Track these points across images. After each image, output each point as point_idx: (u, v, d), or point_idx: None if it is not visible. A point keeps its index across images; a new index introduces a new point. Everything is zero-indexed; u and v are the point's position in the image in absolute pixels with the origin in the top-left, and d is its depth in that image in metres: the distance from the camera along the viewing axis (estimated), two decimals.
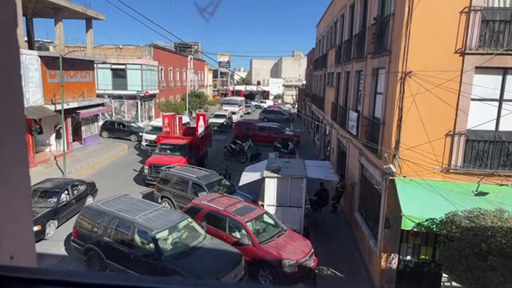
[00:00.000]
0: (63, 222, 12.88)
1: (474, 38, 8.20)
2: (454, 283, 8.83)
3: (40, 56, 19.00)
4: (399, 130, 8.83)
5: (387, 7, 10.40)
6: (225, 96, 66.82)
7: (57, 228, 12.47)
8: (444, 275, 9.03)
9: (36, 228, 10.98)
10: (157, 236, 9.27)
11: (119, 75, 32.56)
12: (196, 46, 58.48)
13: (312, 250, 10.65)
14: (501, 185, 8.44)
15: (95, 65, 26.35)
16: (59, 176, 18.15)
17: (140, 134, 26.29)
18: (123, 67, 32.47)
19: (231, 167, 20.19)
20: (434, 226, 7.85)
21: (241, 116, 46.02)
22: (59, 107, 19.04)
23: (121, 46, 36.21)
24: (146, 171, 17.73)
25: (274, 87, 73.60)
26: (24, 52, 18.08)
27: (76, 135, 23.67)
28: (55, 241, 11.78)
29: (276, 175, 12.84)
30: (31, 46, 22.77)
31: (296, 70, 79.88)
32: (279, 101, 70.29)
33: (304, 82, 48.55)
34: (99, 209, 10.42)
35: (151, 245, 9.21)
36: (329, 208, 14.88)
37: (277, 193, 12.85)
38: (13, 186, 0.87)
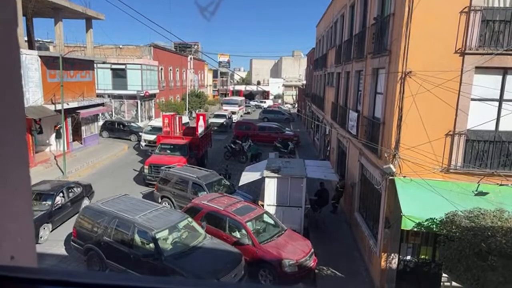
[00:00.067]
0: (57, 226, 12.59)
1: (474, 38, 8.20)
2: (454, 283, 8.83)
3: (40, 56, 19.00)
4: (399, 130, 8.83)
5: (387, 7, 10.40)
6: (225, 96, 66.83)
7: (51, 231, 12.18)
8: (444, 275, 9.03)
9: None
10: (157, 236, 9.27)
11: (119, 75, 32.56)
12: (196, 46, 58.47)
13: (312, 250, 10.65)
14: (501, 185, 8.44)
15: (95, 65, 26.36)
16: (59, 176, 18.16)
17: (140, 134, 26.27)
18: (123, 67, 32.47)
19: (231, 167, 20.19)
20: (434, 226, 7.85)
21: (241, 116, 46.02)
22: (59, 107, 19.04)
23: (121, 46, 36.22)
24: (146, 171, 17.73)
25: (274, 87, 73.60)
26: (24, 52, 18.08)
27: (76, 135, 23.67)
28: (55, 241, 11.78)
29: (276, 175, 12.84)
30: (31, 46, 22.77)
31: (296, 70, 79.86)
32: (279, 101, 70.29)
33: (304, 82, 48.55)
34: (99, 209, 10.42)
35: (151, 245, 9.21)
36: (329, 208, 14.89)
37: (277, 193, 12.85)
38: (14, 186, 0.87)
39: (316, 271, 10.67)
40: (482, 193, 8.25)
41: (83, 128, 24.11)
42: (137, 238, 9.51)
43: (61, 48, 22.00)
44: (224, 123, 35.77)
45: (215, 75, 73.22)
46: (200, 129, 22.26)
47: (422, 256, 9.59)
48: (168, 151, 19.29)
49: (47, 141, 22.19)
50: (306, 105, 37.32)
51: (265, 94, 70.29)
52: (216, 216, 11.12)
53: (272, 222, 11.44)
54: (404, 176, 8.89)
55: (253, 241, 10.27)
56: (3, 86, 0.83)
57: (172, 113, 23.24)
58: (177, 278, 8.40)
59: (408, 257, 9.62)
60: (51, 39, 36.27)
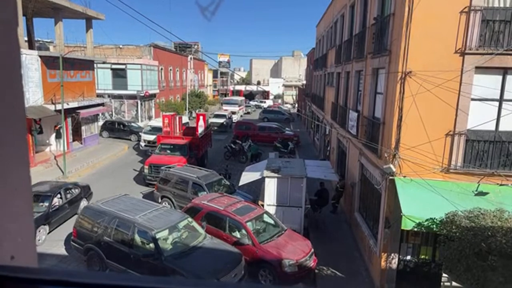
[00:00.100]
0: (55, 227, 12.42)
1: (474, 38, 8.20)
2: (454, 283, 8.84)
3: (40, 56, 19.00)
4: (399, 130, 8.83)
5: (387, 7, 10.40)
6: (225, 96, 66.84)
7: (48, 233, 11.98)
8: (444, 275, 9.03)
9: None
10: (157, 236, 9.27)
11: (119, 75, 32.57)
12: (196, 46, 58.48)
13: (312, 250, 10.65)
14: (501, 185, 8.44)
15: (95, 65, 26.36)
16: (60, 176, 18.17)
17: (140, 134, 26.26)
18: (123, 67, 32.47)
19: (231, 167, 20.19)
20: (434, 226, 7.85)
21: (241, 116, 46.02)
22: (59, 107, 19.04)
23: (121, 46, 36.22)
24: (146, 171, 17.73)
25: (274, 87, 73.60)
26: (24, 52, 18.08)
27: (76, 135, 23.67)
28: (55, 241, 11.78)
29: (276, 175, 12.84)
30: (31, 46, 22.77)
31: (296, 70, 79.85)
32: (279, 101, 70.29)
33: (304, 82, 48.56)
34: (99, 209, 10.41)
35: (151, 245, 9.21)
36: (329, 208, 14.89)
37: (277, 193, 12.85)
38: (14, 186, 0.87)
39: (316, 271, 10.67)
40: (482, 193, 8.25)
41: (83, 128, 24.11)
42: (137, 238, 9.51)
43: (61, 48, 22.00)
44: (224, 123, 35.77)
45: (215, 75, 73.24)
46: (200, 129, 22.26)
47: (422, 256, 9.59)
48: (168, 151, 19.28)
49: (47, 141, 22.19)
50: (306, 105, 37.32)
51: (265, 94, 70.30)
52: (216, 216, 11.12)
53: (272, 222, 11.44)
54: (404, 176, 8.90)
55: (253, 241, 10.27)
56: (4, 86, 0.83)
57: (172, 113, 23.23)
58: (177, 278, 8.40)
59: (408, 257, 9.62)
60: (51, 39, 36.32)
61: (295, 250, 10.28)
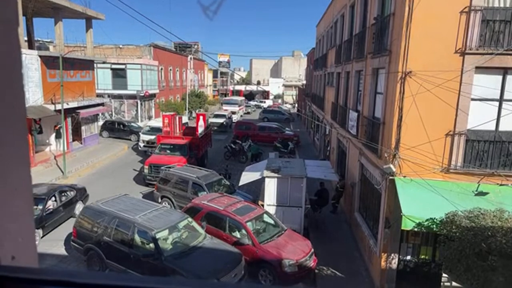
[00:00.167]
0: (49, 231, 12.17)
1: (474, 38, 8.20)
2: (454, 283, 8.84)
3: (40, 56, 19.00)
4: (399, 130, 8.83)
5: (387, 7, 10.40)
6: (225, 96, 66.84)
7: (42, 237, 11.68)
8: (444, 275, 9.03)
9: None
10: (157, 236, 9.27)
11: (119, 75, 32.56)
12: (196, 46, 58.48)
13: (312, 250, 10.65)
14: (501, 185, 8.44)
15: (95, 64, 26.35)
16: (59, 175, 18.18)
17: (140, 134, 26.22)
18: (123, 67, 32.47)
19: (231, 167, 20.19)
20: (434, 226, 7.85)
21: (241, 116, 46.03)
22: (59, 106, 19.04)
23: (121, 46, 36.22)
24: (146, 171, 17.73)
25: (274, 87, 73.62)
26: (24, 52, 18.07)
27: (76, 134, 23.66)
28: (55, 241, 11.77)
29: (276, 175, 12.84)
30: (31, 46, 22.77)
31: (296, 70, 79.87)
32: (279, 101, 70.30)
33: (304, 82, 48.56)
34: (99, 209, 10.41)
35: (151, 245, 9.21)
36: (329, 208, 14.89)
37: (277, 193, 12.85)
38: (14, 186, 0.86)
39: (316, 271, 10.67)
40: (482, 193, 8.25)
41: (83, 128, 24.10)
42: (137, 238, 9.51)
43: (61, 48, 21.99)
44: (224, 123, 35.77)
45: (215, 75, 73.22)
46: (200, 129, 22.26)
47: (422, 256, 9.59)
48: (168, 151, 19.28)
49: (47, 141, 22.19)
50: (306, 105, 37.32)
51: (265, 94, 70.30)
52: (216, 216, 11.12)
53: (272, 222, 11.44)
54: (404, 176, 8.90)
55: (253, 241, 10.27)
56: (4, 86, 0.83)
57: (172, 113, 23.23)
58: (177, 278, 8.40)
59: (408, 257, 9.62)
60: (51, 39, 36.32)
61: (295, 250, 10.28)
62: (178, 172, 15.21)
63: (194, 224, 10.44)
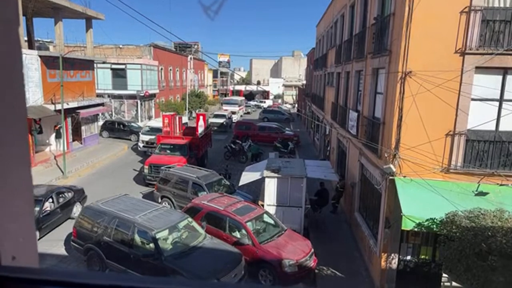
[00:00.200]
0: (46, 233, 12.00)
1: (474, 38, 8.20)
2: (454, 283, 8.84)
3: (40, 56, 19.00)
4: (399, 130, 8.83)
5: (387, 7, 10.40)
6: (225, 96, 66.84)
7: (39, 239, 11.42)
8: (444, 275, 9.03)
9: None
10: (157, 236, 9.27)
11: (119, 75, 32.56)
12: (196, 46, 58.48)
13: (312, 250, 10.65)
14: (501, 185, 8.44)
15: (95, 65, 26.35)
16: (59, 175, 18.18)
17: (139, 134, 26.19)
18: (123, 67, 32.46)
19: (231, 167, 20.20)
20: (434, 226, 7.85)
21: (241, 116, 46.03)
22: (59, 106, 19.04)
23: (121, 46, 36.22)
24: (146, 171, 17.73)
25: (274, 87, 73.63)
26: (24, 52, 18.07)
27: (76, 134, 23.66)
28: (55, 241, 11.77)
29: (276, 175, 12.84)
30: (31, 46, 22.77)
31: (296, 70, 79.89)
32: (279, 101, 70.31)
33: (304, 82, 48.57)
34: (99, 209, 10.41)
35: (151, 245, 9.21)
36: (329, 208, 14.89)
37: (277, 193, 12.85)
38: (15, 186, 0.86)
39: (316, 271, 10.67)
40: (482, 193, 8.25)
41: (83, 128, 24.10)
42: (137, 238, 9.50)
43: (61, 48, 21.99)
44: (224, 123, 35.76)
45: (215, 75, 73.22)
46: (200, 129, 22.25)
47: (422, 256, 9.59)
48: (168, 151, 19.28)
49: (47, 141, 22.19)
50: (306, 105, 37.32)
51: (265, 94, 70.30)
52: (216, 216, 11.12)
53: (272, 222, 11.44)
54: (404, 176, 8.89)
55: (253, 241, 10.27)
56: (5, 86, 0.83)
57: (172, 113, 23.23)
58: (177, 278, 8.40)
59: (408, 257, 9.62)
60: (51, 39, 36.33)
61: (295, 250, 10.28)
62: (178, 172, 15.21)
63: (194, 224, 10.44)
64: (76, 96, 22.26)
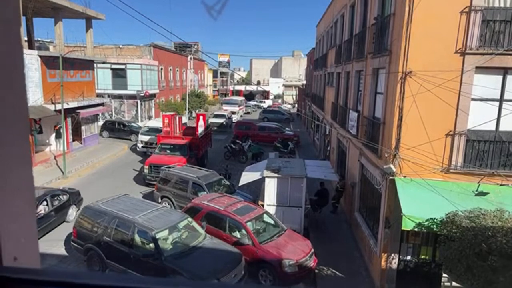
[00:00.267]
0: (40, 237, 11.50)
1: (474, 38, 8.20)
2: (454, 283, 8.84)
3: (40, 56, 19.00)
4: (399, 130, 8.83)
5: (387, 7, 10.40)
6: (225, 96, 66.84)
7: None
8: (444, 275, 9.03)
9: None
10: (157, 236, 9.26)
11: (119, 75, 32.55)
12: (196, 46, 58.47)
13: (312, 250, 10.65)
14: (501, 185, 8.44)
15: (95, 64, 26.35)
16: (59, 175, 18.17)
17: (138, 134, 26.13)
18: (123, 67, 32.46)
19: (231, 167, 20.19)
20: (434, 226, 7.85)
21: (241, 116, 46.03)
22: (59, 106, 19.04)
23: (121, 46, 36.21)
24: (146, 171, 17.73)
25: (274, 87, 73.64)
26: (24, 52, 18.04)
27: (76, 134, 23.66)
28: (55, 241, 11.77)
29: (276, 175, 12.84)
30: (31, 46, 22.76)
31: (296, 70, 79.90)
32: (279, 101, 70.31)
33: (304, 82, 48.57)
34: (99, 209, 10.40)
35: (151, 245, 9.21)
36: (329, 208, 14.89)
37: (277, 193, 12.85)
38: (16, 186, 0.86)
39: (316, 271, 10.66)
40: (482, 193, 8.25)
41: (83, 128, 24.10)
42: (137, 238, 9.50)
43: (61, 48, 21.99)
44: (224, 123, 35.76)
45: (215, 75, 73.23)
46: (200, 129, 22.25)
47: (422, 256, 9.59)
48: (168, 151, 19.28)
49: (47, 141, 22.19)
50: (306, 105, 37.32)
51: (265, 94, 70.30)
52: (216, 216, 11.12)
53: (272, 222, 11.44)
54: (405, 176, 8.89)
55: (253, 241, 10.27)
56: (6, 86, 0.83)
57: (172, 113, 23.22)
58: (177, 279, 8.40)
59: (408, 257, 9.62)
60: (51, 39, 36.33)
61: (295, 250, 10.28)
62: (178, 172, 15.21)
63: (194, 224, 10.44)
64: (76, 96, 22.25)
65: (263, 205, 12.67)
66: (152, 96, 35.38)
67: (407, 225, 8.04)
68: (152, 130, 24.01)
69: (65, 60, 19.29)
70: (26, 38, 22.32)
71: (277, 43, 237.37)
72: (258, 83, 79.88)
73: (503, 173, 8.41)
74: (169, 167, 16.30)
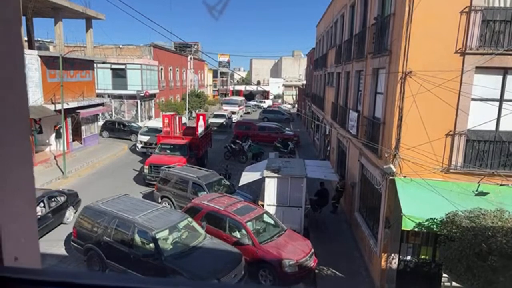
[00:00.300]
0: None
1: (474, 38, 8.20)
2: (454, 283, 8.84)
3: (40, 56, 19.00)
4: (399, 130, 8.83)
5: (388, 7, 10.40)
6: (225, 96, 66.84)
7: None
8: (444, 275, 9.03)
9: None
10: (157, 236, 9.26)
11: (119, 75, 32.55)
12: (196, 46, 58.47)
13: (312, 250, 10.65)
14: (501, 185, 8.44)
15: (95, 65, 26.34)
16: (59, 175, 18.17)
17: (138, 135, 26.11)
18: (123, 67, 32.45)
19: (231, 167, 20.19)
20: (434, 226, 7.85)
21: (241, 116, 46.03)
22: (59, 106, 19.04)
23: (121, 46, 36.21)
24: (146, 171, 17.72)
25: (274, 87, 73.63)
26: (24, 52, 18.02)
27: (76, 134, 23.66)
28: (55, 241, 11.77)
29: (276, 175, 12.84)
30: (31, 46, 22.76)
31: (296, 70, 79.89)
32: (279, 101, 70.31)
33: (304, 82, 48.56)
34: (99, 209, 10.40)
35: (151, 245, 9.21)
36: (329, 208, 14.89)
37: (277, 193, 12.85)
38: (17, 186, 0.86)
39: (316, 271, 10.66)
40: (482, 193, 8.25)
41: (83, 128, 24.10)
42: (137, 238, 9.50)
43: (61, 48, 21.99)
44: (224, 123, 35.75)
45: (215, 75, 73.23)
46: (200, 129, 22.25)
47: (422, 256, 9.59)
48: (168, 151, 19.28)
49: (47, 141, 22.18)
50: (306, 105, 37.32)
51: (265, 94, 70.30)
52: (216, 216, 11.12)
53: (272, 222, 11.44)
54: (405, 176, 8.89)
55: (253, 241, 10.27)
56: (7, 86, 0.83)
57: (172, 113, 23.21)
58: (178, 279, 8.40)
59: (408, 257, 9.62)
60: (51, 39, 36.32)
61: (295, 250, 10.27)
62: (178, 172, 15.21)
63: (194, 224, 10.44)
64: (76, 96, 22.25)
65: (263, 205, 12.67)
66: (152, 96, 35.38)
67: (407, 225, 8.04)
68: (151, 131, 23.96)
69: (65, 60, 19.29)
70: (26, 38, 22.32)
71: (277, 43, 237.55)
72: (258, 83, 79.87)
73: (503, 173, 8.41)
74: (169, 167, 16.30)
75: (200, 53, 57.29)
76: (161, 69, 38.23)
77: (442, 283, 9.35)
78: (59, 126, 20.99)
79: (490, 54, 8.15)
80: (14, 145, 0.86)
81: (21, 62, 0.88)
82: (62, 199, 12.98)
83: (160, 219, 9.91)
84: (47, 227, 12.09)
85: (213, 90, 70.70)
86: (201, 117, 23.18)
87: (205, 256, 9.25)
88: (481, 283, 6.70)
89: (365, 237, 11.40)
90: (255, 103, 63.62)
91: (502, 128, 8.57)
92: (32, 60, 18.50)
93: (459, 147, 8.62)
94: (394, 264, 9.59)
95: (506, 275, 6.44)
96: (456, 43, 8.31)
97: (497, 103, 8.56)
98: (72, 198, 13.65)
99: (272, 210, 12.58)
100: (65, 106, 19.32)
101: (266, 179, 12.84)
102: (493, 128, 8.61)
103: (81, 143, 23.95)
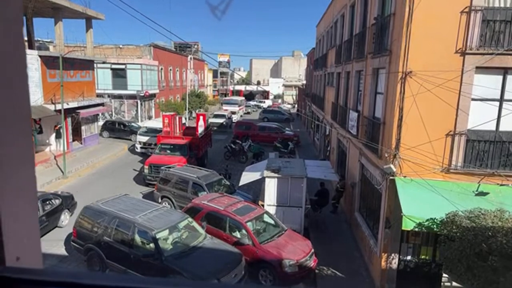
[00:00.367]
0: None
1: (474, 38, 8.20)
2: (454, 283, 8.84)
3: (40, 56, 18.99)
4: (399, 130, 8.83)
5: (388, 7, 10.40)
6: (225, 96, 66.84)
7: None
8: (444, 275, 9.03)
9: None
10: (157, 236, 9.26)
11: (119, 75, 32.55)
12: (196, 46, 58.46)
13: (312, 250, 10.65)
14: (501, 185, 8.44)
15: (95, 64, 26.34)
16: (59, 175, 18.17)
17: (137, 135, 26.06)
18: (123, 67, 32.46)
19: (231, 167, 20.19)
20: (434, 226, 7.86)
21: (241, 116, 46.03)
22: (59, 106, 19.04)
23: (121, 46, 36.21)
24: (146, 171, 17.72)
25: (274, 87, 73.64)
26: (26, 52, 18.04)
27: (76, 135, 23.66)
28: (55, 241, 11.77)
29: (276, 175, 12.84)
30: (31, 46, 22.76)
31: (296, 70, 79.90)
32: (279, 101, 70.31)
33: (304, 82, 48.57)
34: (99, 209, 10.40)
35: (151, 245, 9.21)
36: (329, 208, 14.89)
37: (277, 193, 12.85)
38: (18, 186, 0.86)
39: (316, 271, 10.66)
40: (482, 193, 8.26)
41: (83, 128, 24.10)
42: (137, 238, 9.50)
43: (61, 48, 21.99)
44: (224, 123, 35.76)
45: (215, 75, 73.24)
46: (200, 129, 22.25)
47: (423, 256, 9.59)
48: (168, 151, 19.28)
49: (47, 141, 22.18)
50: (306, 105, 37.32)
51: (265, 94, 70.31)
52: (216, 216, 11.12)
53: (272, 222, 11.44)
54: (405, 176, 8.89)
55: (253, 241, 10.27)
56: (9, 86, 0.83)
57: (172, 113, 23.21)
58: (178, 279, 8.40)
59: (409, 257, 9.62)
60: (51, 39, 36.31)
61: (295, 250, 10.27)
62: (178, 172, 15.21)
63: (194, 224, 10.44)
64: (76, 96, 22.25)
65: (263, 205, 12.67)
66: (152, 96, 35.38)
67: (407, 225, 8.04)
68: (150, 131, 23.89)
69: (65, 60, 19.29)
70: (26, 38, 22.30)
71: (277, 43, 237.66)
72: (258, 83, 79.88)
73: (503, 173, 8.41)
74: (169, 167, 16.30)
75: (200, 53, 57.30)
76: (161, 69, 38.23)
77: (442, 283, 9.35)
78: (59, 126, 20.99)
79: (490, 54, 8.15)
80: (16, 145, 0.85)
81: (23, 62, 0.88)
82: (57, 202, 12.68)
83: (160, 219, 9.91)
84: (42, 231, 11.79)
85: (213, 90, 70.72)
86: (201, 117, 23.17)
87: (205, 256, 9.25)
88: (481, 283, 6.70)
89: (365, 237, 11.40)
90: (255, 103, 63.62)
91: (502, 128, 8.57)
92: (32, 60, 18.49)
93: (459, 147, 8.62)
94: (394, 264, 9.59)
95: (507, 275, 6.44)
96: (456, 43, 8.31)
97: (497, 103, 8.56)
98: (68, 201, 13.35)
99: (272, 210, 12.58)
100: (65, 106, 19.32)
101: (266, 179, 12.84)
102: (493, 128, 8.61)
103: (81, 143, 23.95)
